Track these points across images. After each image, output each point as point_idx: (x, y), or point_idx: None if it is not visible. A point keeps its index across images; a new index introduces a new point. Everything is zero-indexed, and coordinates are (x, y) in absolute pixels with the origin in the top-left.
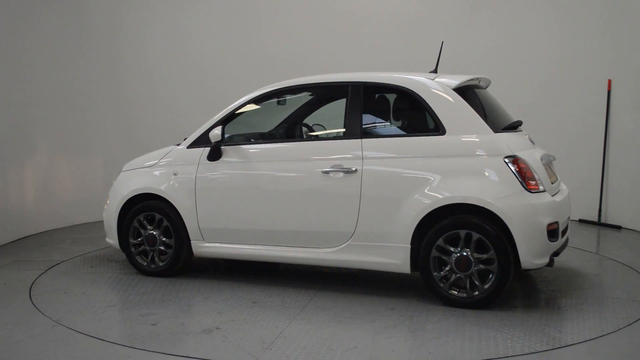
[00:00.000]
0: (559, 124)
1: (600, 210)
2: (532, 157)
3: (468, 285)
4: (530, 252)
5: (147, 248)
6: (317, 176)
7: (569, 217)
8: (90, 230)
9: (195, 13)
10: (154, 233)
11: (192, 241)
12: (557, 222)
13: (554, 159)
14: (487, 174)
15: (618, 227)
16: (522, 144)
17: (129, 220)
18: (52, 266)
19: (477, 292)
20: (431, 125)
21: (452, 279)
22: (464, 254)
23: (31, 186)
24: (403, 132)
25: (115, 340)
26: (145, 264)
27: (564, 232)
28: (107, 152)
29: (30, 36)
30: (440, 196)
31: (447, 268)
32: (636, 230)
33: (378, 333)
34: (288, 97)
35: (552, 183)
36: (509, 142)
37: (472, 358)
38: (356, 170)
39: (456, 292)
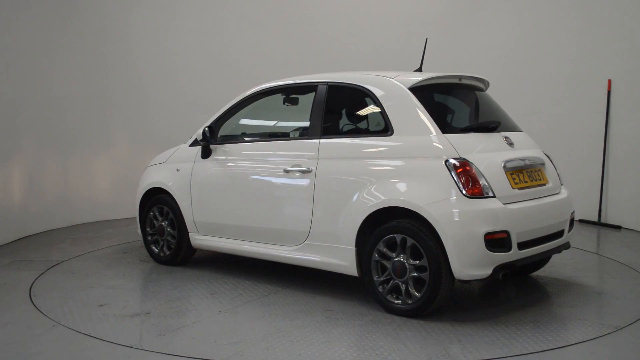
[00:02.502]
0: (559, 124)
1: (600, 210)
2: (488, 161)
3: (404, 293)
4: (463, 261)
5: (158, 238)
6: (279, 175)
7: (568, 221)
8: (90, 230)
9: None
10: (163, 224)
11: (189, 233)
12: (504, 232)
13: (542, 162)
14: (426, 176)
15: (618, 227)
16: (483, 146)
17: (146, 211)
18: (52, 266)
19: (410, 301)
20: (382, 125)
21: (390, 285)
22: (401, 259)
23: (31, 186)
24: (357, 133)
25: (115, 340)
26: (156, 251)
27: (550, 239)
28: (107, 152)
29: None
30: (378, 199)
31: (386, 273)
32: (636, 230)
33: (278, 330)
34: (266, 98)
35: (521, 189)
36: (458, 143)
37: (472, 358)
38: (311, 170)
39: (394, 299)
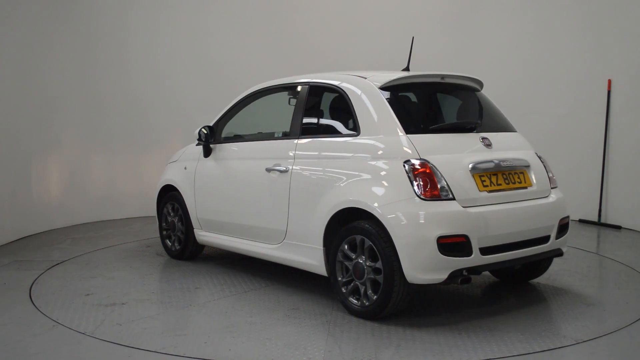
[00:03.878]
0: (559, 124)
1: (600, 210)
2: (453, 163)
3: (362, 294)
4: (414, 265)
5: (171, 233)
6: (261, 174)
7: (555, 227)
8: (90, 230)
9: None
10: (174, 220)
11: (194, 229)
12: (462, 236)
13: (527, 165)
14: (385, 178)
15: (618, 227)
16: (452, 147)
17: (162, 207)
18: (52, 266)
19: (367, 302)
20: (352, 125)
21: (351, 286)
22: (360, 261)
23: (31, 186)
24: (330, 133)
25: (116, 340)
26: (169, 245)
27: (528, 244)
28: (105, 152)
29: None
30: (340, 200)
31: (348, 274)
32: (636, 230)
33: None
34: (262, 98)
35: (491, 192)
36: (422, 144)
37: (471, 358)
38: (287, 170)
39: (354, 300)
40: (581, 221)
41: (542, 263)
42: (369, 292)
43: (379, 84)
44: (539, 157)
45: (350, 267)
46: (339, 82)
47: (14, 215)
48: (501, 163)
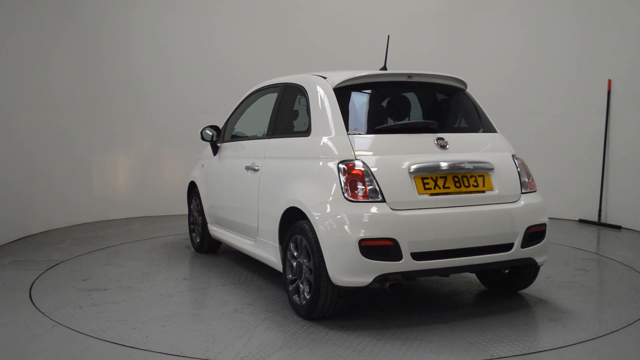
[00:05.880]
0: (560, 124)
1: (600, 210)
2: (390, 164)
3: (301, 293)
4: (337, 267)
5: (195, 227)
6: (242, 173)
7: (520, 234)
8: (90, 230)
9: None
10: (196, 214)
11: (207, 224)
12: (389, 239)
13: (489, 167)
14: (321, 178)
15: (618, 227)
16: (396, 147)
17: (189, 203)
18: (52, 266)
19: (304, 302)
20: (307, 126)
21: (295, 285)
22: (300, 260)
23: (31, 185)
24: (293, 133)
25: (116, 340)
26: (194, 238)
27: (481, 252)
28: (107, 151)
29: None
30: (285, 199)
31: (293, 272)
32: (636, 230)
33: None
34: (260, 99)
35: (433, 195)
36: (362, 145)
37: (471, 358)
38: (258, 169)
39: (297, 298)
40: (581, 221)
41: (522, 272)
42: (306, 291)
43: (334, 84)
44: (515, 160)
45: (294, 266)
46: (301, 82)
47: (14, 215)
48: (451, 165)
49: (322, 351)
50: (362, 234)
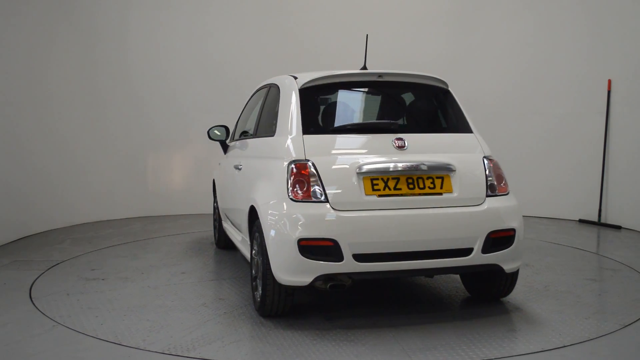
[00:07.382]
0: (559, 124)
1: (600, 210)
2: (338, 164)
3: (257, 290)
4: (277, 266)
5: (215, 223)
6: (232, 172)
7: (481, 239)
8: (90, 230)
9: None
10: (217, 211)
11: (222, 221)
12: (329, 240)
13: (450, 169)
14: (274, 178)
15: (618, 227)
16: (349, 148)
17: (214, 200)
18: (52, 266)
19: (259, 299)
20: (275, 126)
21: (255, 282)
22: (257, 258)
23: (31, 185)
24: (268, 133)
25: (116, 340)
26: (215, 234)
27: (435, 255)
28: (106, 151)
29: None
30: (248, 197)
31: (255, 269)
32: (636, 230)
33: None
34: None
35: (382, 196)
36: (313, 145)
37: (471, 358)
38: (241, 168)
39: (257, 295)
40: (581, 221)
41: (495, 279)
42: (260, 288)
43: (300, 84)
44: (486, 162)
45: (256, 264)
46: (277, 82)
47: (14, 215)
48: (405, 166)
49: (248, 347)
50: (301, 234)
